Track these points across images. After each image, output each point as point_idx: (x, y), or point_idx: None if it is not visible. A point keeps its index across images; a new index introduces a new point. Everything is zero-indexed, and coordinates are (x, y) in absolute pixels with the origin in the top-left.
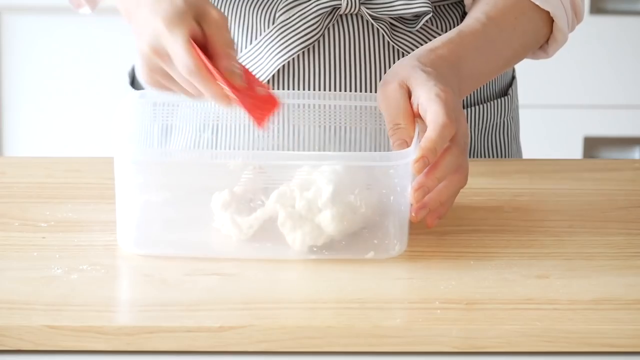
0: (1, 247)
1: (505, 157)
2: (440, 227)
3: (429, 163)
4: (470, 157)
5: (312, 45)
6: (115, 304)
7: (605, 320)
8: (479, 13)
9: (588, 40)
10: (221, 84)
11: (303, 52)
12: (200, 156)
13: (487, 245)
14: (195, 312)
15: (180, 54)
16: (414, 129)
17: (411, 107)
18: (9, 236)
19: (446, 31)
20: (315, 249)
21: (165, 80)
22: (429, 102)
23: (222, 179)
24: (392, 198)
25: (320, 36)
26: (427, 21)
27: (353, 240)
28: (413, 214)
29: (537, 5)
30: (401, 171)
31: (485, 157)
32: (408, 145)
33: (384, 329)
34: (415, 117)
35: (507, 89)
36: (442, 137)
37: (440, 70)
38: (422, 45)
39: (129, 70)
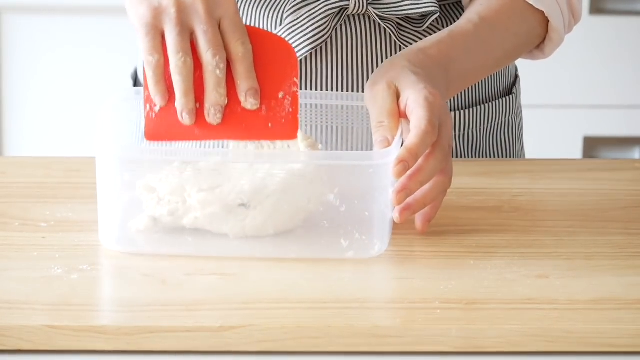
0: (1, 247)
1: (510, 155)
2: (440, 227)
3: (409, 167)
4: (475, 156)
5: (320, 46)
6: (115, 304)
7: (605, 320)
8: (472, 14)
9: (588, 40)
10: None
11: (311, 53)
12: (179, 154)
13: (487, 245)
14: (195, 312)
15: (231, 15)
16: (397, 127)
17: (397, 107)
18: (9, 236)
19: None
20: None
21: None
22: (416, 106)
23: (202, 177)
24: (372, 198)
25: (328, 37)
26: (433, 21)
27: (333, 239)
28: (397, 215)
29: (531, 6)
30: (381, 171)
31: (490, 156)
32: (390, 144)
33: (384, 329)
34: (402, 117)
35: (511, 87)
36: (424, 143)
37: (429, 71)
38: None
39: (131, 72)
